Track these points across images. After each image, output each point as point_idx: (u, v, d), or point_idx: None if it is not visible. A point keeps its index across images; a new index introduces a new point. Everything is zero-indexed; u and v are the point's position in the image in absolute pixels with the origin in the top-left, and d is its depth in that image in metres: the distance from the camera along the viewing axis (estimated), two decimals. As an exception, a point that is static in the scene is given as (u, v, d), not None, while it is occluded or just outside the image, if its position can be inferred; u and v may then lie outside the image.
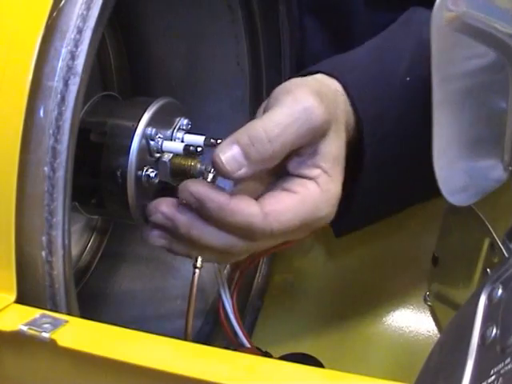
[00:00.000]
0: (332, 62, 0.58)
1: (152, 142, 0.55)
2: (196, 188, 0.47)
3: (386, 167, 0.54)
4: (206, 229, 0.48)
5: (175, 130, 0.58)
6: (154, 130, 0.55)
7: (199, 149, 0.56)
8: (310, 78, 0.52)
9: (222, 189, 0.48)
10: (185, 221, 0.48)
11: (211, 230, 0.48)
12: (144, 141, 0.54)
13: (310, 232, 0.50)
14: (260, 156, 0.46)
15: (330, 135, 0.49)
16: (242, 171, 0.46)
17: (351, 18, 0.78)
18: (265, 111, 0.49)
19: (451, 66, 0.43)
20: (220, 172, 0.47)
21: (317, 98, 0.48)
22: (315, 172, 0.49)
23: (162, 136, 0.56)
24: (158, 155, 0.56)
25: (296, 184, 0.48)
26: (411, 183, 0.57)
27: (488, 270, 0.56)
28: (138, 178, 0.54)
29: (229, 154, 0.46)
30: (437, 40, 0.40)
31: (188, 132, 0.58)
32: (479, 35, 0.41)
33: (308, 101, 0.47)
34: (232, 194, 0.48)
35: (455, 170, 0.48)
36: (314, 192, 0.48)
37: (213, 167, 0.49)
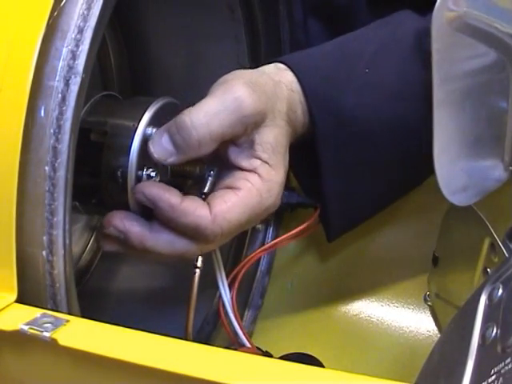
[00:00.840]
0: (293, 54, 0.59)
1: None
2: (149, 189, 0.50)
3: (350, 166, 0.55)
4: (159, 239, 0.50)
5: None
6: (154, 129, 0.55)
7: None
8: (251, 70, 0.54)
9: (174, 190, 0.50)
10: (137, 233, 0.50)
11: (163, 238, 0.50)
12: (144, 141, 0.54)
13: (259, 221, 0.53)
14: (186, 143, 0.49)
15: (266, 125, 0.51)
16: (172, 158, 0.49)
17: (354, 20, 0.78)
18: None
19: (452, 66, 0.43)
20: (153, 159, 0.50)
21: (248, 88, 0.49)
22: (255, 163, 0.51)
23: None
24: None
25: (238, 179, 0.51)
26: (386, 178, 0.58)
27: (488, 269, 0.56)
28: (138, 178, 0.54)
29: (158, 141, 0.50)
30: (437, 40, 0.40)
31: None
32: (480, 35, 0.41)
33: (239, 90, 0.49)
34: (184, 195, 0.50)
35: (455, 169, 0.48)
36: (257, 184, 0.50)
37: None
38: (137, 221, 0.50)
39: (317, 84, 0.53)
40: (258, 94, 0.50)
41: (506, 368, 0.36)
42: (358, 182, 0.56)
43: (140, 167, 0.54)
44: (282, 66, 0.55)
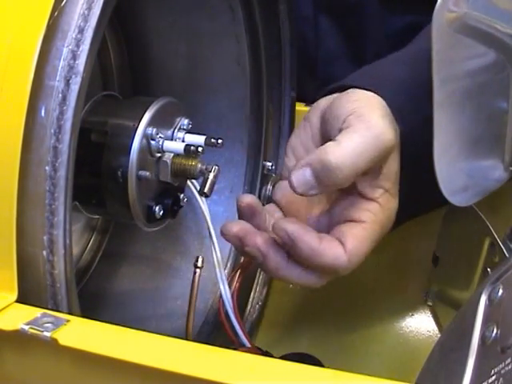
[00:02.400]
0: (367, 75, 0.58)
1: (153, 142, 0.55)
2: (292, 228, 0.49)
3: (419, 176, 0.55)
4: (293, 272, 0.51)
5: (176, 130, 0.58)
6: (154, 129, 0.55)
7: (200, 149, 0.56)
8: (374, 100, 0.53)
9: (311, 230, 0.50)
10: (275, 261, 0.50)
11: (297, 272, 0.51)
12: (145, 141, 0.54)
13: None
14: (330, 182, 0.48)
15: (393, 154, 0.51)
16: (312, 192, 0.49)
17: (366, 19, 0.79)
18: (339, 130, 0.50)
19: (452, 66, 0.43)
20: (292, 189, 0.49)
21: (386, 121, 0.49)
22: (377, 193, 0.51)
23: (162, 136, 0.56)
24: (159, 155, 0.56)
25: (360, 210, 0.51)
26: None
27: (488, 269, 0.56)
28: (138, 178, 0.54)
29: (301, 177, 0.49)
30: (437, 41, 0.40)
31: (189, 132, 0.58)
32: (480, 36, 0.41)
33: (379, 126, 0.49)
34: (319, 235, 0.50)
35: (456, 170, 0.48)
36: (378, 214, 0.51)
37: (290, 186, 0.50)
38: (276, 248, 0.51)
39: (405, 118, 0.53)
40: (393, 127, 0.50)
41: (507, 368, 0.36)
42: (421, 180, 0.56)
43: (141, 167, 0.54)
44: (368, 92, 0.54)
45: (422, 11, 0.73)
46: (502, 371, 0.36)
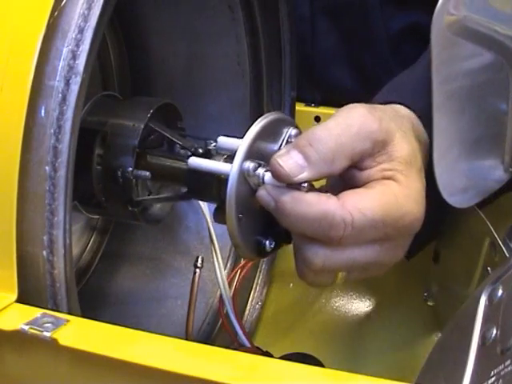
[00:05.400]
0: (395, 89, 0.57)
1: (252, 179, 0.47)
2: (272, 189, 0.46)
3: None
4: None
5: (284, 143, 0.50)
6: (252, 165, 0.47)
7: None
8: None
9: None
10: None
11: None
12: (242, 179, 0.47)
13: (397, 232, 0.47)
14: (319, 155, 0.45)
15: (397, 142, 0.48)
16: (304, 174, 0.45)
17: (364, 19, 0.78)
18: None
19: (451, 70, 0.43)
20: (280, 176, 0.45)
21: (370, 108, 0.47)
22: (389, 173, 0.47)
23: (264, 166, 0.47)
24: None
25: (373, 183, 0.47)
26: None
27: (489, 268, 0.56)
28: (239, 219, 0.47)
29: (287, 156, 0.45)
30: (437, 44, 0.40)
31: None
32: (479, 38, 0.41)
33: (361, 110, 0.47)
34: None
35: (455, 171, 0.48)
36: (393, 185, 0.46)
37: (272, 174, 0.46)
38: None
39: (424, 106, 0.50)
40: (379, 114, 0.47)
41: (506, 370, 0.36)
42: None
43: (239, 210, 0.48)
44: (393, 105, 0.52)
45: (421, 12, 0.73)
46: (502, 373, 0.36)
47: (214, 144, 0.53)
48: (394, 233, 0.46)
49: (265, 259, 0.76)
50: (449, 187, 0.46)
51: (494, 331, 0.39)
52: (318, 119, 0.78)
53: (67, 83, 0.41)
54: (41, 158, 0.41)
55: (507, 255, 0.53)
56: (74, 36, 0.41)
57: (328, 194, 0.46)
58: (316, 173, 0.45)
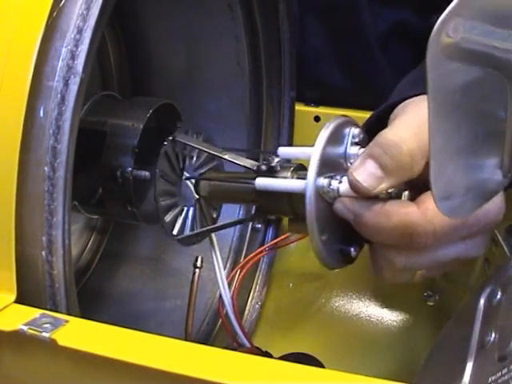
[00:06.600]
0: (407, 84, 0.56)
1: (328, 193, 0.45)
2: (350, 202, 0.44)
3: None
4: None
5: (349, 145, 0.48)
6: (326, 180, 0.45)
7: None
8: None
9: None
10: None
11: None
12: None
13: (480, 233, 0.45)
14: (396, 163, 0.43)
15: None
16: (383, 186, 0.43)
17: (353, 19, 0.78)
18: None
19: (448, 94, 0.41)
20: (359, 191, 0.43)
21: None
22: None
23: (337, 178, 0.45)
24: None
25: None
26: None
27: (488, 259, 0.56)
28: (321, 241, 0.46)
29: (362, 169, 0.43)
30: (432, 69, 0.39)
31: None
32: (476, 58, 0.40)
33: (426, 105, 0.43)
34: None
35: (453, 188, 0.46)
36: None
37: (351, 188, 0.43)
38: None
39: None
40: None
41: (503, 378, 0.35)
42: None
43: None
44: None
45: (408, 10, 0.73)
46: (499, 380, 0.36)
47: (277, 160, 0.50)
48: (478, 230, 0.45)
49: (264, 259, 0.76)
50: (446, 204, 0.44)
51: (493, 335, 0.39)
52: (317, 119, 0.78)
53: (66, 83, 0.41)
54: (40, 159, 0.41)
55: (507, 253, 0.53)
56: (72, 36, 0.41)
57: (407, 202, 0.44)
58: (394, 181, 0.43)
